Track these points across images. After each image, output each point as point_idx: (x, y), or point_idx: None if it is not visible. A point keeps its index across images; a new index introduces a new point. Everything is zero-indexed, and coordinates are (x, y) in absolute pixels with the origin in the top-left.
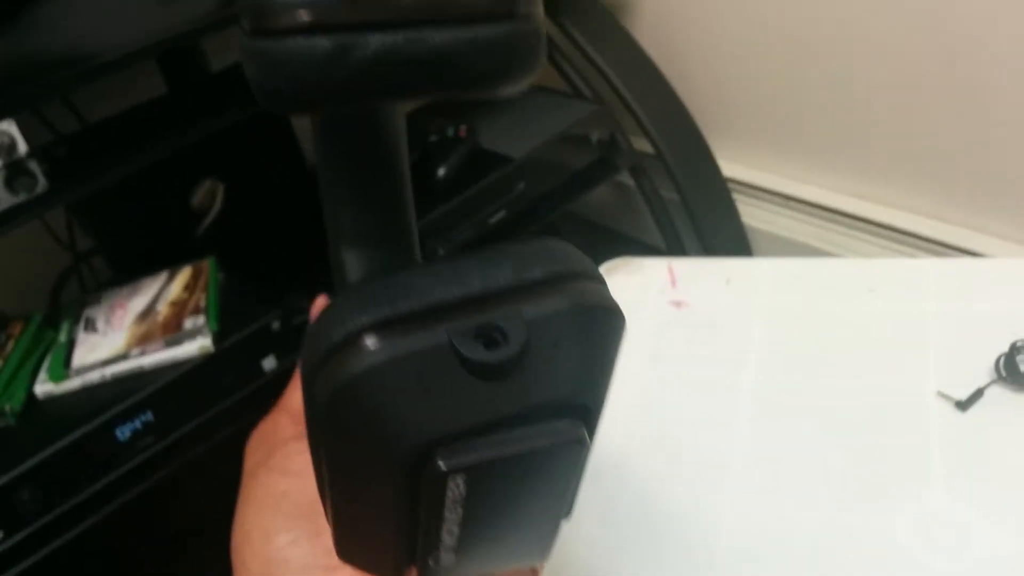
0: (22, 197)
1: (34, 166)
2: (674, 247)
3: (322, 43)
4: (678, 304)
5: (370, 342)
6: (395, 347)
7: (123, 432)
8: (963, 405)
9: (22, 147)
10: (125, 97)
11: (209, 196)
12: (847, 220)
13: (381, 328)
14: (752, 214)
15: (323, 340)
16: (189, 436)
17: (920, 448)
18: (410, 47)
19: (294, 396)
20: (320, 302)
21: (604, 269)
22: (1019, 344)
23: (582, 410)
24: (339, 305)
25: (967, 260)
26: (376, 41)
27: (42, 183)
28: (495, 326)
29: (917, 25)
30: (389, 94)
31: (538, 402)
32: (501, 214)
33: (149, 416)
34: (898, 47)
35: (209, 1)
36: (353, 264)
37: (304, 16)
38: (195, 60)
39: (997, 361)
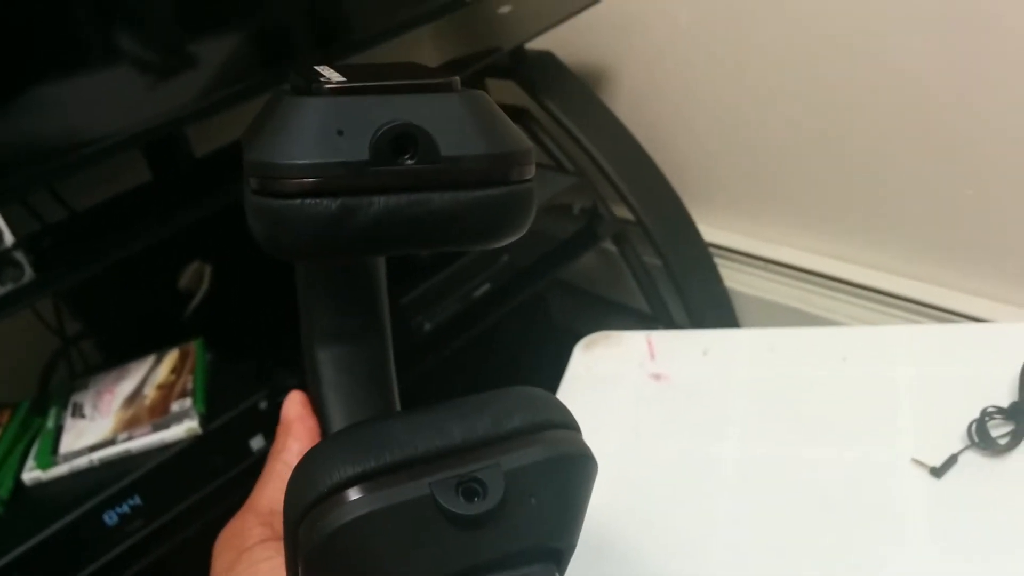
0: (8, 287)
1: (20, 256)
2: (659, 312)
3: (328, 205)
4: (657, 377)
5: (354, 494)
6: (378, 500)
7: (111, 517)
8: (938, 472)
9: (8, 238)
10: (110, 185)
11: (196, 277)
12: (828, 282)
13: (364, 479)
14: (734, 277)
15: (308, 488)
16: (178, 519)
17: (897, 515)
18: (412, 209)
19: (262, 495)
20: (294, 398)
21: (585, 343)
22: (990, 410)
23: (555, 553)
24: (323, 453)
25: (938, 326)
26: (379, 204)
27: (28, 273)
28: (475, 478)
29: (892, 90)
30: (388, 251)
31: (514, 549)
32: (486, 287)
33: (137, 500)
34: (873, 112)
35: (193, 90)
36: (326, 362)
37: (311, 181)
38: (179, 147)
39: (969, 427)
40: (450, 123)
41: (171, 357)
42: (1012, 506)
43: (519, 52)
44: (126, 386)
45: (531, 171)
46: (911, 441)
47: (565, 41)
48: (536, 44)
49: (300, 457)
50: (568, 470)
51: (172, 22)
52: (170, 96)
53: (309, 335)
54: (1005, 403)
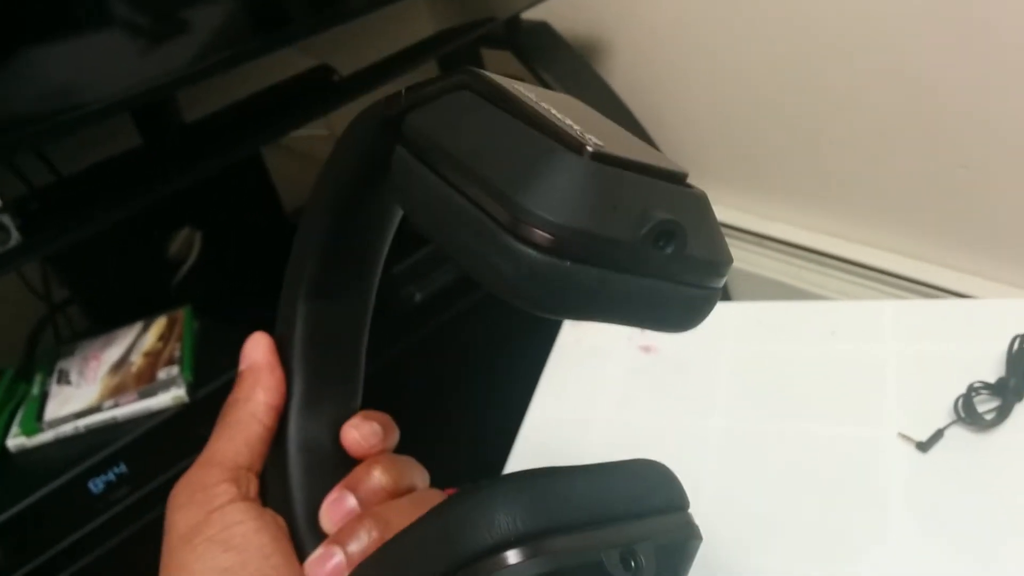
0: None
1: (7, 220)
2: None
3: (589, 273)
4: (647, 349)
5: (522, 555)
6: (548, 562)
7: (96, 485)
8: (923, 446)
9: None
10: (99, 149)
11: (186, 245)
12: (819, 257)
13: (535, 539)
14: None
15: (475, 535)
16: (164, 487)
17: (883, 490)
18: (649, 295)
19: (227, 447)
20: (260, 341)
21: None
22: (976, 386)
23: None
24: (487, 502)
25: (926, 301)
26: (628, 282)
27: (15, 237)
28: (634, 551)
29: (884, 67)
30: (603, 317)
31: None
32: None
33: (123, 468)
34: (866, 89)
35: (184, 54)
36: (306, 316)
37: (582, 246)
38: (169, 112)
39: (956, 402)
40: (693, 222)
41: (159, 324)
42: (997, 481)
43: (515, 22)
44: (113, 353)
45: (725, 279)
46: (897, 416)
47: (561, 12)
48: (532, 14)
49: (268, 411)
50: (690, 550)
51: None
52: (161, 60)
53: (294, 284)
54: (992, 379)
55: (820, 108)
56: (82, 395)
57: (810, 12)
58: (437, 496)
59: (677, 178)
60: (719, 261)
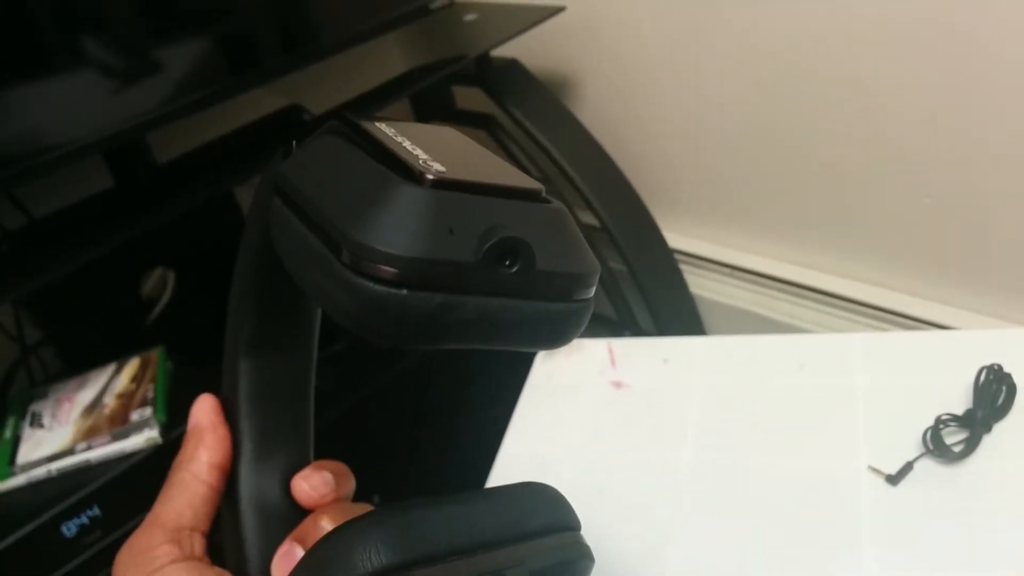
0: None
1: None
2: (625, 317)
3: (430, 299)
4: (618, 385)
5: None
6: None
7: (69, 528)
8: (893, 479)
9: None
10: (71, 191)
11: (159, 284)
12: (792, 288)
13: (396, 572)
14: (700, 284)
15: (342, 570)
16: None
17: (853, 523)
18: (502, 314)
19: (168, 508)
20: (204, 404)
21: (545, 351)
22: (944, 418)
23: None
24: (361, 535)
25: (895, 334)
26: (475, 304)
27: None
28: None
29: (851, 100)
30: (458, 344)
31: None
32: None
33: (96, 511)
34: (833, 122)
35: (156, 96)
36: (248, 372)
37: (419, 274)
38: (141, 153)
39: (924, 434)
40: (545, 237)
41: (132, 365)
42: (966, 513)
43: (485, 59)
44: (86, 395)
45: (594, 289)
46: (867, 449)
47: (530, 49)
48: (502, 52)
49: (210, 470)
50: (577, 571)
51: (135, 26)
52: (132, 102)
53: (234, 340)
54: (960, 411)
55: (790, 141)
56: (55, 438)
57: (779, 49)
58: None
59: (529, 195)
60: (580, 273)
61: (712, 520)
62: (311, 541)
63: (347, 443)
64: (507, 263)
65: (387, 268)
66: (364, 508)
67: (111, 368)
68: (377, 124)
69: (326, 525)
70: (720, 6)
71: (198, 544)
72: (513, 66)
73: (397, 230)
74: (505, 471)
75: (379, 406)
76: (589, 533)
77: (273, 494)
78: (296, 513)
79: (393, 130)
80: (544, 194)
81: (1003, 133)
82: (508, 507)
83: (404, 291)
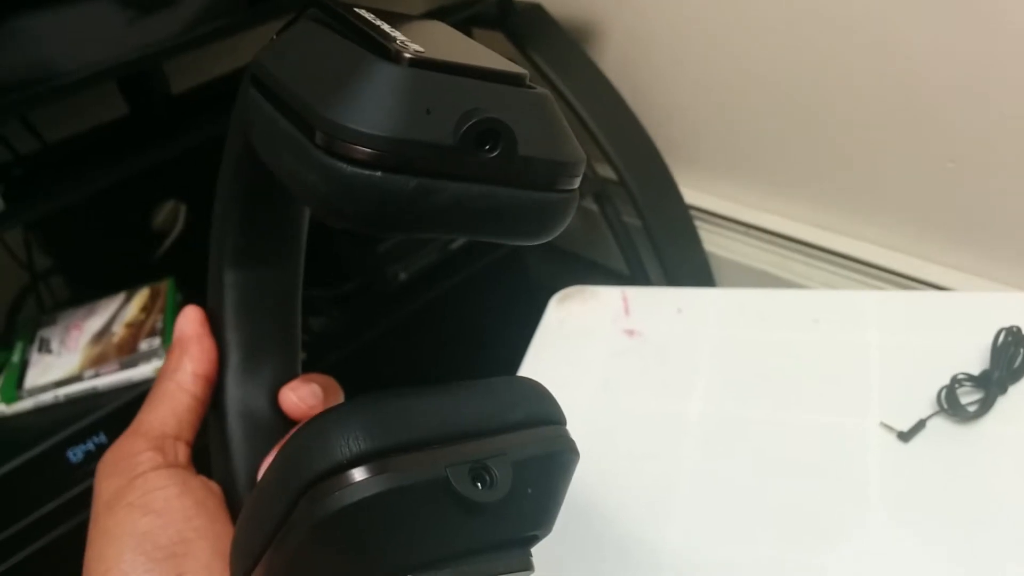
0: None
1: None
2: (636, 273)
3: (406, 183)
4: (630, 333)
5: (369, 471)
6: (390, 480)
7: (75, 454)
8: (905, 436)
9: None
10: (85, 118)
11: (171, 217)
12: (806, 249)
13: (379, 456)
14: (714, 241)
15: (313, 460)
16: None
17: (862, 479)
18: (480, 201)
19: (152, 417)
20: (191, 315)
21: (560, 296)
22: (959, 377)
23: (532, 539)
24: (338, 422)
25: (909, 293)
26: (453, 189)
27: None
28: (486, 466)
29: (875, 61)
30: (435, 232)
31: (507, 536)
32: (462, 240)
33: (102, 438)
34: (856, 83)
35: (172, 25)
36: (234, 284)
37: (394, 156)
38: (156, 82)
39: (939, 393)
40: (527, 122)
41: (141, 295)
42: (978, 472)
43: (507, 3)
44: (95, 323)
45: (580, 179)
46: (880, 405)
47: None
48: None
49: (195, 380)
50: (561, 465)
51: None
52: (148, 29)
53: (220, 252)
54: (976, 371)
55: (813, 99)
56: (63, 364)
57: (807, 7)
58: None
59: (513, 79)
60: (565, 161)
61: (720, 471)
62: None
63: (356, 383)
64: (487, 147)
65: (360, 148)
66: None
67: (121, 297)
68: (356, 9)
69: None
70: None
71: (182, 452)
72: (537, 11)
73: (371, 109)
74: None
75: (387, 348)
76: (594, 478)
77: (260, 406)
78: (284, 424)
79: (372, 15)
80: (529, 80)
81: None
82: (492, 398)
83: (378, 173)
